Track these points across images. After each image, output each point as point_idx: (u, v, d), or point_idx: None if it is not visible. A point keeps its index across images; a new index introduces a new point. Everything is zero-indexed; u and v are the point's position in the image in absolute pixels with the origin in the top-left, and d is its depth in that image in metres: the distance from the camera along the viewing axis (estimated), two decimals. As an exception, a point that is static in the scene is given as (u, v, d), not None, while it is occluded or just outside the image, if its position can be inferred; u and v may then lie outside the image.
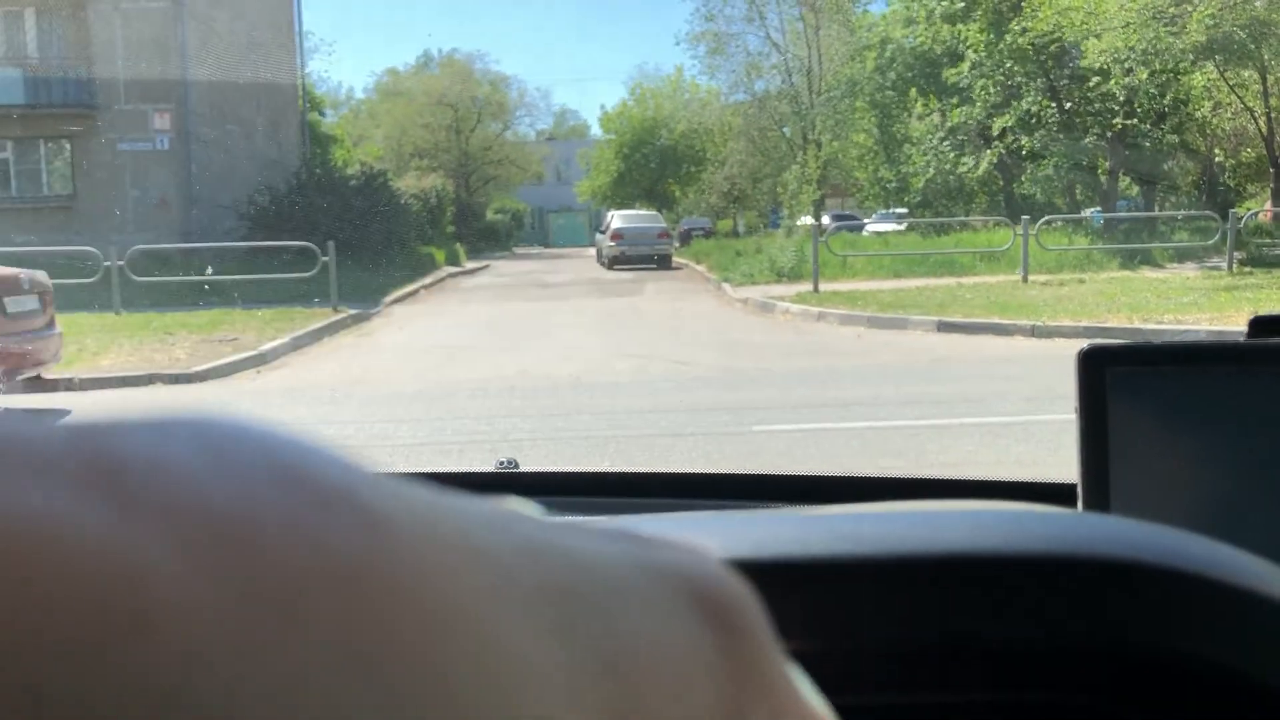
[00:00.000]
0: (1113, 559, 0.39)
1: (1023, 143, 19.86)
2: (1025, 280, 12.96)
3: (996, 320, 9.42)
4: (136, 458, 0.14)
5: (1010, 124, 19.91)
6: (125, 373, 8.03)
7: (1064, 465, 0.83)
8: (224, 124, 19.76)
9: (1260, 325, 0.78)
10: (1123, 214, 20.01)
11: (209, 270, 13.54)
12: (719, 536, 0.43)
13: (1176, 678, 0.39)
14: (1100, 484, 0.75)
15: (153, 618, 0.12)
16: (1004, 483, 1.09)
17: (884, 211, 24.30)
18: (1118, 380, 0.75)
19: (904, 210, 23.30)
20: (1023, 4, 19.53)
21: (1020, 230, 13.63)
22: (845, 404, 6.14)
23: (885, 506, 0.54)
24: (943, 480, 1.32)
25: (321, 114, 33.61)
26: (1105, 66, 16.80)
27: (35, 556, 0.12)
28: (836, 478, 1.15)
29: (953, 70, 20.54)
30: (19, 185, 18.87)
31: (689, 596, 0.18)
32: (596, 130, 42.09)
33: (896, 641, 0.40)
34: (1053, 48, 18.27)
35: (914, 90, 22.44)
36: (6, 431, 0.14)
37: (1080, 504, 0.77)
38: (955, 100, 20.86)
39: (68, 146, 18.69)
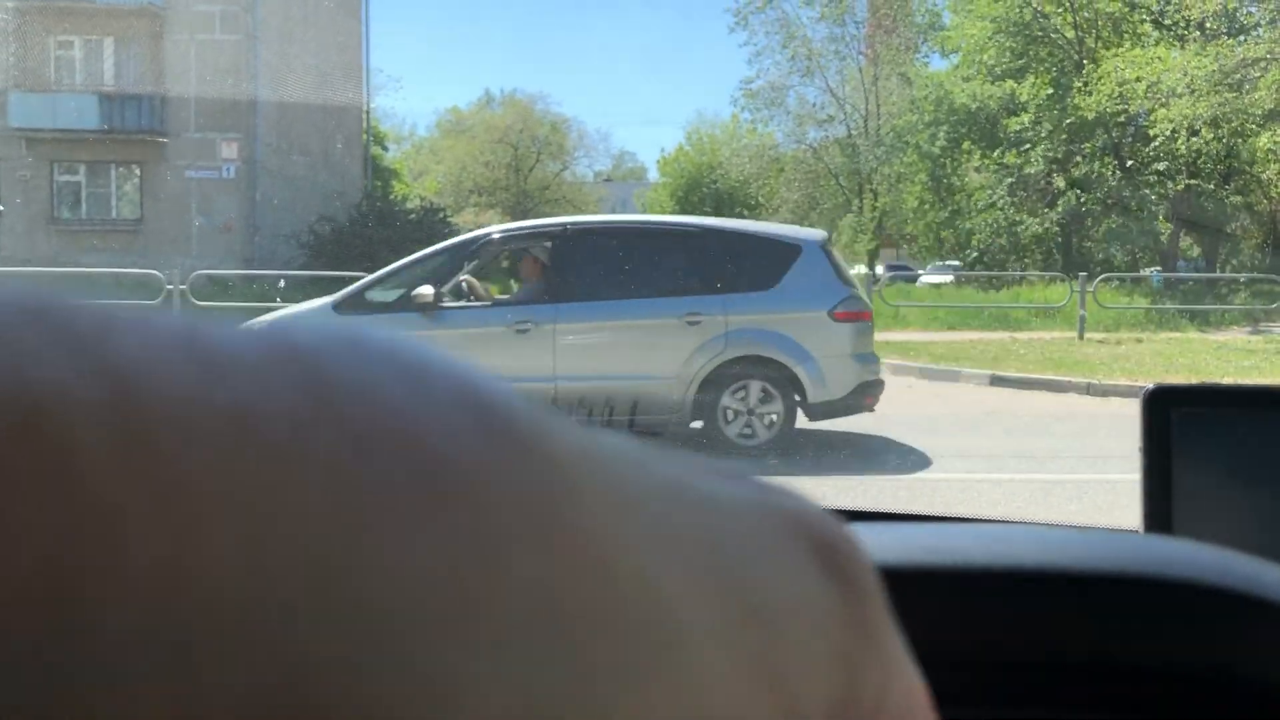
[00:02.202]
0: (1178, 579, 0.39)
1: (1083, 200, 19.68)
2: (1081, 338, 12.77)
3: (1051, 376, 9.27)
4: (344, 378, 0.13)
5: (1072, 179, 19.75)
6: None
7: (1123, 524, 0.82)
8: (289, 154, 20.16)
9: None
10: (1184, 274, 19.72)
11: (271, 294, 13.75)
12: None
13: (1236, 700, 0.38)
14: (1163, 526, 0.75)
15: (373, 565, 0.12)
16: (1056, 525, 1.07)
17: (939, 264, 24.15)
18: (1183, 421, 0.75)
19: (957, 263, 23.13)
20: (1084, 62, 19.44)
21: (1077, 287, 13.47)
22: (895, 454, 6.07)
23: (949, 523, 0.54)
24: (998, 519, 1.29)
25: (385, 148, 34.17)
26: (1170, 129, 16.62)
27: (270, 478, 0.12)
28: (886, 513, 1.16)
29: (1014, 119, 20.43)
30: (89, 207, 19.35)
31: (810, 544, 0.18)
32: (654, 173, 42.40)
33: (956, 652, 0.40)
34: (1118, 117, 18.10)
35: (967, 143, 22.35)
36: (224, 341, 0.13)
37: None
38: (1013, 153, 20.75)
39: (138, 171, 19.15)
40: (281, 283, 14.13)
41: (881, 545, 0.42)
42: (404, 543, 0.12)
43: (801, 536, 0.18)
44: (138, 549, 0.11)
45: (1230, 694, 0.38)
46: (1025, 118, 20.19)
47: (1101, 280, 15.22)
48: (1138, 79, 16.53)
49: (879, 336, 12.52)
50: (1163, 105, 16.15)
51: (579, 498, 0.14)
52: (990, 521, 1.11)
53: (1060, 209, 20.06)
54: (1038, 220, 20.53)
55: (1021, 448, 6.24)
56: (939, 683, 0.39)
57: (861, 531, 0.44)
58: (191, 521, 0.11)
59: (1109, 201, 19.61)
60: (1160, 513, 0.75)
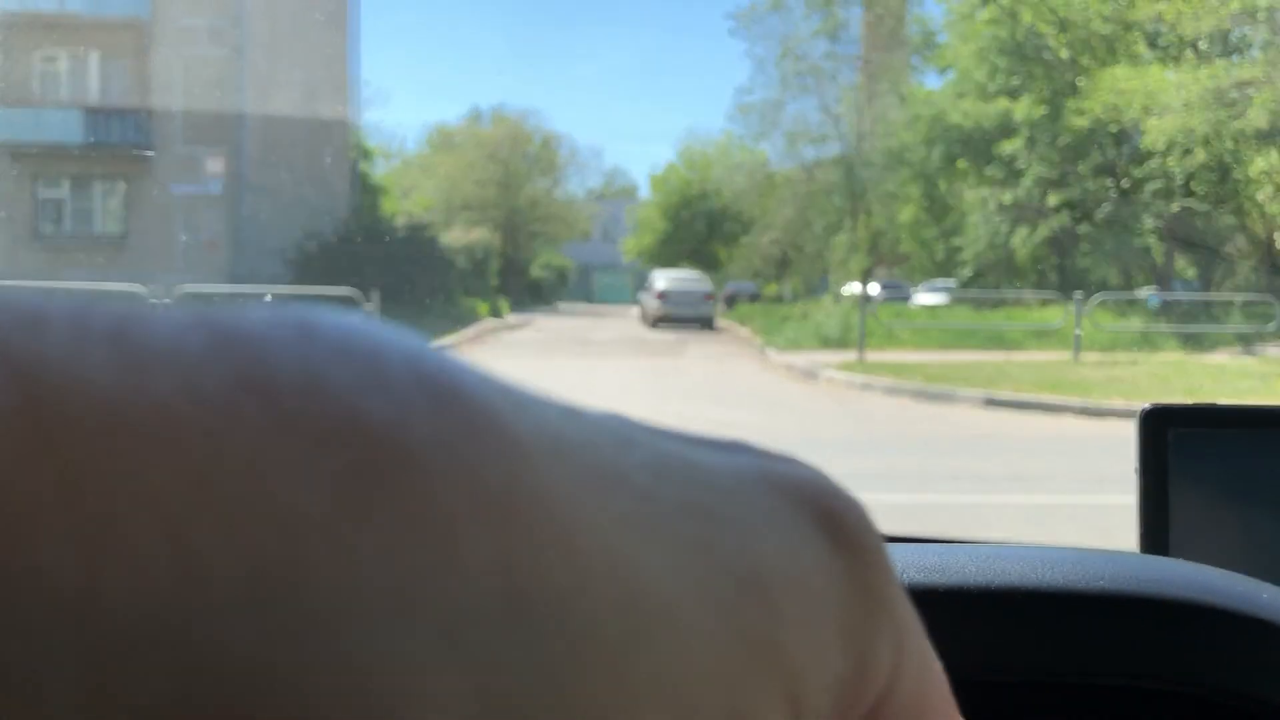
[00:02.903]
0: (1175, 599, 0.39)
1: (1077, 219, 19.62)
2: (1077, 359, 12.65)
3: (1046, 398, 9.15)
4: (285, 371, 0.13)
5: (1065, 199, 19.71)
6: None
7: (1121, 548, 0.74)
8: (275, 170, 20.02)
9: None
10: (1179, 295, 19.64)
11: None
12: None
13: (1224, 714, 0.39)
14: (1160, 546, 0.75)
15: (313, 560, 0.11)
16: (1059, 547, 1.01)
17: (932, 282, 24.07)
18: (1179, 441, 0.75)
19: (950, 282, 23.06)
20: (1078, 83, 19.40)
21: (1073, 308, 13.36)
22: (888, 475, 5.94)
23: (945, 544, 0.50)
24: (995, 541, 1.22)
25: (373, 164, 34.05)
26: (1165, 148, 16.59)
27: (183, 479, 0.11)
28: (884, 535, 1.08)
29: (1008, 141, 20.40)
30: (73, 223, 19.20)
31: (813, 512, 0.17)
32: (645, 190, 42.39)
33: (952, 672, 0.37)
34: (1111, 128, 18.07)
35: (961, 162, 22.31)
36: (147, 322, 0.13)
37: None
38: (1004, 173, 20.70)
39: (122, 187, 19.00)
40: (268, 297, 13.95)
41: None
42: (340, 531, 0.12)
43: (804, 505, 0.17)
44: (48, 556, 0.11)
45: (1226, 712, 0.39)
46: (1019, 140, 20.15)
47: (1096, 301, 15.12)
48: (1134, 90, 16.50)
49: (872, 356, 12.47)
50: (1157, 117, 16.10)
51: (539, 477, 0.14)
52: (986, 543, 1.03)
53: (1054, 229, 20.00)
54: (1031, 240, 20.48)
55: (1017, 470, 6.12)
56: None
57: None
58: (104, 525, 0.11)
59: (1103, 222, 19.54)
60: (1157, 533, 0.75)
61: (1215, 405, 0.76)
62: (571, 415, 0.16)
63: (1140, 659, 0.38)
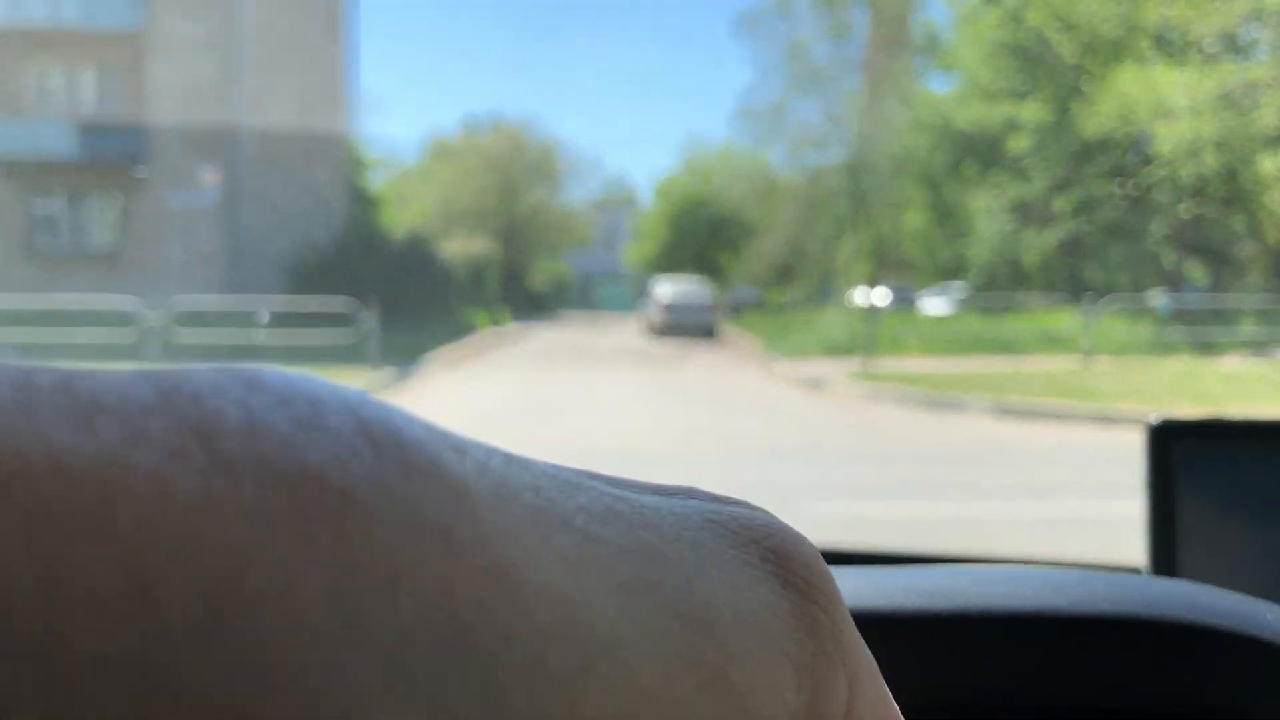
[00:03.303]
0: (1178, 621, 0.39)
1: (1085, 223, 19.45)
2: (1087, 365, 12.46)
3: (1056, 406, 8.95)
4: (228, 418, 0.13)
5: (1073, 203, 19.54)
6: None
7: (1131, 559, 0.80)
8: (272, 182, 19.90)
9: None
10: (1191, 299, 19.45)
11: (251, 325, 13.45)
12: None
13: None
14: (1168, 561, 0.74)
15: (261, 592, 0.12)
16: (1066, 562, 0.99)
17: (938, 288, 23.89)
18: (1187, 456, 0.74)
19: (957, 287, 22.88)
20: (1083, 87, 19.23)
21: (1081, 313, 13.15)
22: (898, 486, 5.77)
23: (948, 566, 0.50)
24: (1000, 558, 1.16)
25: (370, 174, 33.96)
26: (1174, 152, 16.40)
27: (134, 519, 0.12)
28: (887, 553, 1.09)
29: (1014, 141, 20.24)
30: (68, 236, 19.07)
31: (760, 552, 0.17)
32: (646, 198, 42.29)
33: (955, 698, 0.41)
34: (1119, 133, 17.88)
35: (966, 166, 22.15)
36: (94, 379, 0.13)
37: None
38: (1011, 175, 20.54)
39: (118, 199, 18.88)
40: (267, 317, 13.83)
41: (879, 589, 0.43)
42: (286, 564, 0.12)
43: (751, 545, 0.18)
44: (9, 597, 0.11)
45: None
46: (1024, 141, 20.00)
47: (1106, 305, 14.92)
48: (1142, 95, 16.32)
49: (878, 363, 12.28)
50: (1166, 121, 15.91)
51: (479, 516, 0.14)
52: (990, 561, 0.91)
53: (1062, 233, 19.83)
54: (1040, 245, 20.30)
55: (1030, 480, 5.95)
56: None
57: (859, 576, 0.45)
58: (62, 565, 0.11)
59: (1112, 226, 19.37)
60: (1165, 551, 0.74)
61: (1223, 419, 0.76)
62: (514, 461, 0.16)
63: (1142, 684, 0.38)
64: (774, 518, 0.19)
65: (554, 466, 0.17)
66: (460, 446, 0.15)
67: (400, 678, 0.12)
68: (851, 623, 0.18)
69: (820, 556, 0.18)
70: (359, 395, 0.15)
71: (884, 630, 0.38)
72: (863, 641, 0.19)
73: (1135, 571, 0.74)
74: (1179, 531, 0.74)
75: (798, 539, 0.18)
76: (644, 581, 0.15)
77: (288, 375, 0.15)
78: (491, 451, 0.16)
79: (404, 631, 0.13)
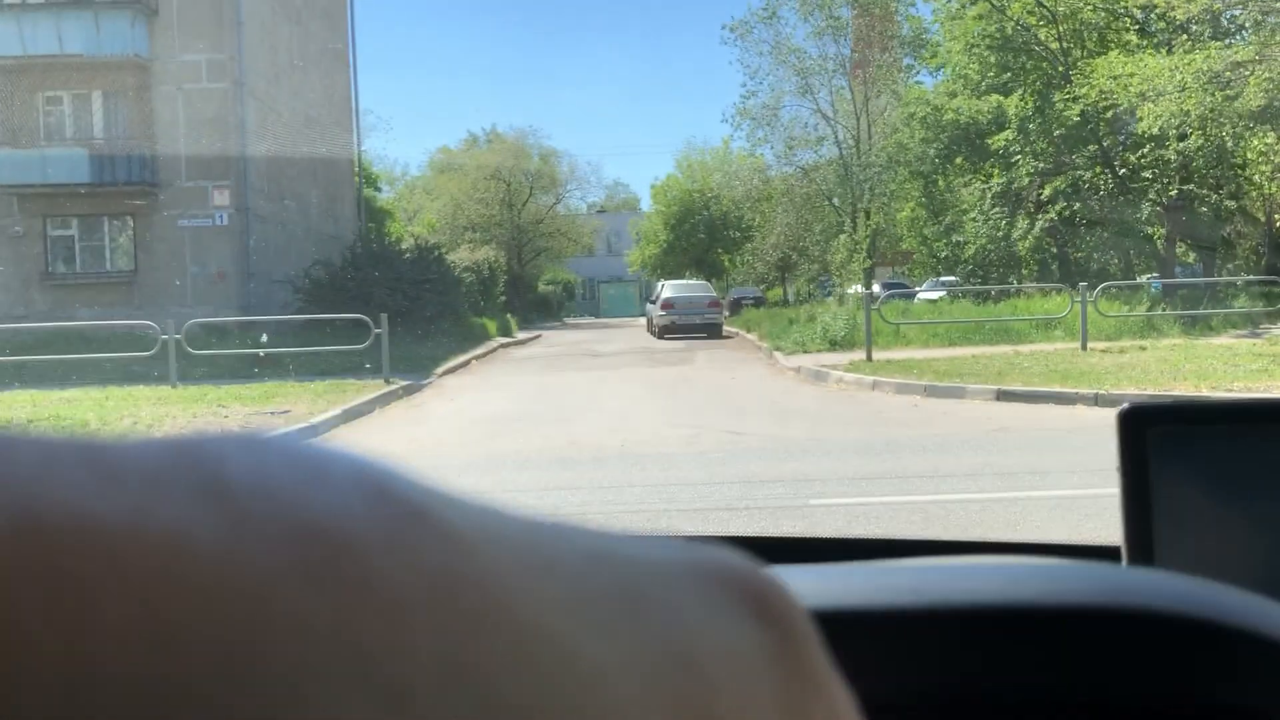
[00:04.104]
0: (1151, 612, 0.39)
1: (1075, 208, 19.65)
2: (1084, 348, 12.70)
3: (1058, 389, 9.17)
4: (240, 475, 0.14)
5: (1061, 189, 19.74)
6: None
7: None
8: (281, 200, 20.15)
9: None
10: (1181, 280, 19.67)
11: (264, 343, 13.68)
12: None
13: None
14: (1144, 545, 0.74)
15: (276, 630, 0.13)
16: (1046, 544, 1.04)
17: (934, 280, 24.10)
18: (1160, 440, 0.74)
19: (952, 279, 23.10)
20: (1071, 74, 19.45)
21: (1078, 297, 13.40)
22: (905, 476, 5.96)
23: (919, 561, 0.52)
24: (982, 542, 1.22)
25: (378, 189, 34.22)
26: (1161, 132, 16.60)
27: (159, 567, 0.13)
28: (875, 540, 1.12)
29: (998, 136, 20.46)
30: (83, 260, 19.32)
31: (741, 596, 0.18)
32: (647, 202, 42.49)
33: (924, 691, 0.40)
34: (1106, 114, 18.08)
35: (959, 159, 22.37)
36: (114, 445, 0.14)
37: (1124, 564, 0.75)
38: (1000, 167, 20.74)
39: (131, 223, 19.13)
40: (264, 337, 14.08)
41: (850, 586, 0.42)
42: (297, 609, 0.13)
43: (731, 589, 0.18)
44: (37, 651, 0.12)
45: None
46: (1010, 133, 20.19)
47: (1102, 290, 15.15)
48: (1131, 74, 16.50)
49: (879, 354, 12.51)
50: (1151, 101, 16.10)
51: (474, 561, 0.15)
52: (965, 549, 1.04)
53: (1052, 219, 20.04)
54: (1031, 232, 20.50)
55: (1034, 464, 6.14)
56: None
57: (843, 574, 0.45)
58: (85, 607, 0.12)
59: (1102, 210, 19.58)
60: (1141, 538, 0.73)
61: (1196, 401, 0.81)
62: (502, 512, 0.17)
63: (1114, 673, 0.39)
64: (754, 563, 0.19)
65: (539, 517, 0.18)
66: (452, 500, 0.16)
67: (403, 711, 0.13)
68: (827, 660, 0.19)
69: (796, 598, 0.19)
70: (359, 456, 0.16)
71: (853, 627, 0.40)
72: (842, 685, 0.20)
73: (1118, 551, 0.75)
74: (1154, 519, 0.74)
75: (777, 584, 0.19)
76: (630, 621, 0.16)
77: (293, 439, 0.17)
78: (482, 503, 0.17)
79: (408, 670, 0.14)
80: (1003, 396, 9.19)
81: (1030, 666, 0.39)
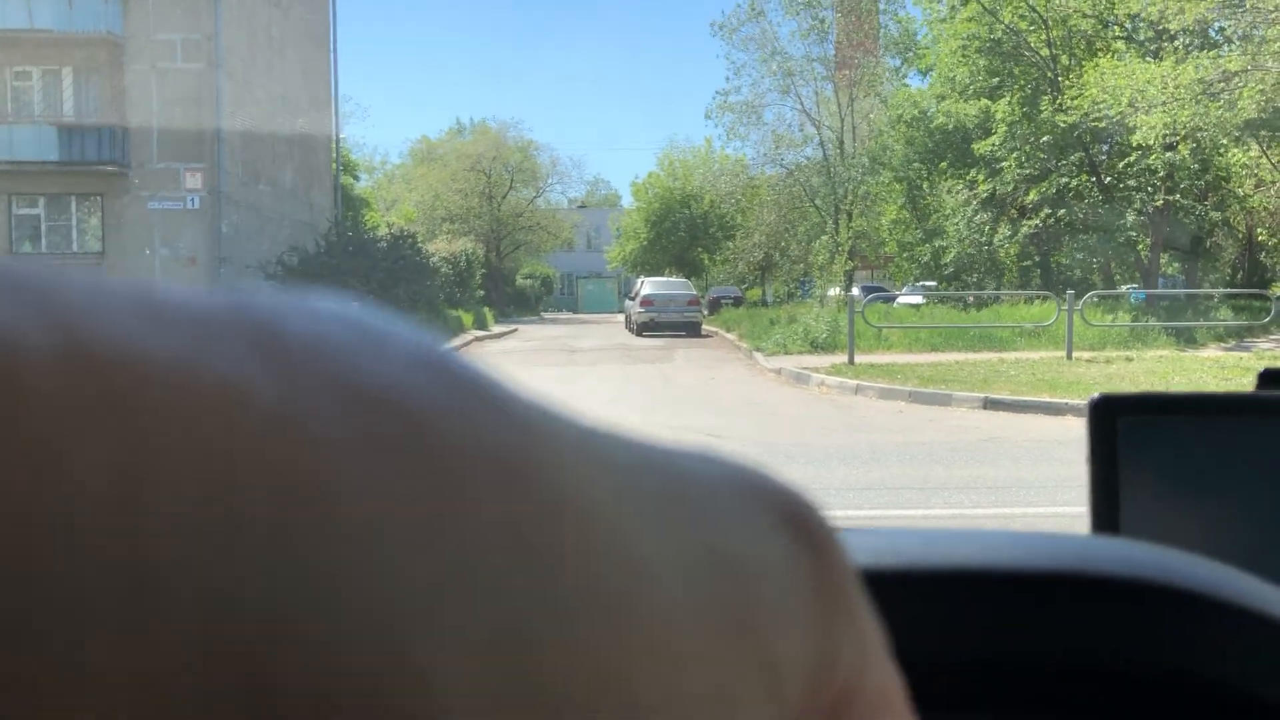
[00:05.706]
0: (1123, 578, 0.40)
1: (1059, 216, 19.55)
2: (1070, 357, 12.54)
3: (1047, 399, 8.99)
4: (298, 334, 0.14)
5: (1046, 195, 19.64)
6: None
7: None
8: (256, 184, 19.76)
9: (1269, 378, 0.84)
10: (1166, 290, 19.61)
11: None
12: None
13: (1175, 695, 0.40)
14: (1111, 521, 0.77)
15: (334, 487, 0.12)
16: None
17: (914, 285, 23.97)
18: (1129, 429, 0.77)
19: (933, 284, 22.97)
20: (1059, 80, 19.33)
21: (1064, 305, 13.25)
22: (893, 488, 5.75)
23: (894, 526, 0.51)
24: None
25: (355, 177, 33.86)
26: (1148, 142, 16.49)
27: (217, 410, 0.12)
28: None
29: (984, 142, 20.33)
30: (49, 241, 18.89)
31: (779, 513, 0.18)
32: (628, 199, 42.25)
33: (898, 656, 0.39)
34: (1098, 124, 17.95)
35: (944, 163, 22.23)
36: (166, 291, 0.14)
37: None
38: (985, 173, 20.61)
39: (99, 203, 18.71)
40: None
41: None
42: (363, 463, 0.13)
43: (770, 506, 0.18)
44: (92, 490, 0.11)
45: (1174, 692, 0.40)
46: (996, 139, 20.06)
47: (1086, 298, 15.02)
48: (1122, 84, 16.37)
49: (862, 358, 12.32)
50: (1144, 113, 15.98)
51: (537, 442, 0.15)
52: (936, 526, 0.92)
53: (1036, 226, 19.92)
54: (1013, 238, 20.39)
55: (1027, 476, 5.96)
56: None
57: None
58: (144, 461, 0.12)
59: (1086, 219, 19.49)
60: (1107, 517, 0.77)
61: (1162, 393, 0.79)
62: (558, 407, 0.17)
63: (1084, 640, 0.39)
64: (791, 484, 0.19)
65: (584, 417, 0.17)
66: (507, 383, 0.16)
67: (467, 585, 0.13)
68: (863, 595, 0.19)
69: (832, 524, 0.19)
70: (419, 330, 0.16)
71: None
72: (873, 614, 0.20)
73: None
74: (1121, 502, 0.77)
75: (813, 505, 0.19)
76: (679, 524, 0.16)
77: (351, 304, 0.15)
78: (538, 396, 0.16)
79: (472, 540, 0.13)
80: (989, 405, 9.00)
81: (1001, 630, 0.40)
